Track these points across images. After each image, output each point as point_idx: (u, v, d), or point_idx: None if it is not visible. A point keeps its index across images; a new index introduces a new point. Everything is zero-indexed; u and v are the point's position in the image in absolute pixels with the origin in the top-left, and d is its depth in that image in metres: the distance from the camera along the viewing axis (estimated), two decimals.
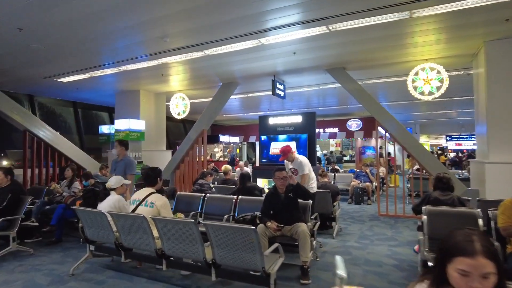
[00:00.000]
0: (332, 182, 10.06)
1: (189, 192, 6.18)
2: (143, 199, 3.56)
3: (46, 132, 8.73)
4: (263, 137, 8.61)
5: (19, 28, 5.42)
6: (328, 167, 13.67)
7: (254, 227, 2.70)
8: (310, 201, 4.19)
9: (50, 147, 9.12)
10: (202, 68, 8.10)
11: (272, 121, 8.61)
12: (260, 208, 4.09)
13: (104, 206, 3.94)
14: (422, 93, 7.29)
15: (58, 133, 8.97)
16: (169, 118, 12.70)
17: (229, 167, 6.37)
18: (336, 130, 16.98)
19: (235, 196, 4.78)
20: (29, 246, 4.74)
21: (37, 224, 5.08)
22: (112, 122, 12.54)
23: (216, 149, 18.26)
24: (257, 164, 15.42)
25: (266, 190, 5.94)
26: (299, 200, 4.04)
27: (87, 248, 3.97)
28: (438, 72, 7.05)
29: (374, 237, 5.57)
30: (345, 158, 19.50)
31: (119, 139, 5.90)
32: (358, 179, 9.79)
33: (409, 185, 9.90)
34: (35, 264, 4.17)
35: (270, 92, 9.90)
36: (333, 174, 10.64)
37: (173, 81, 9.61)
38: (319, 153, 22.06)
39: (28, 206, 4.88)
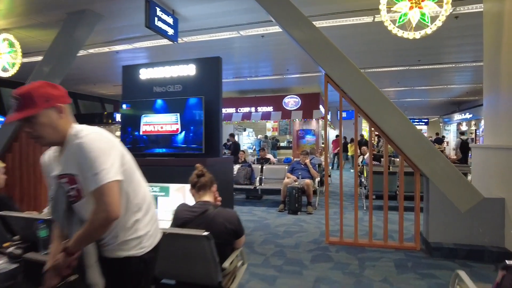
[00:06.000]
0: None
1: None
2: None
3: None
4: (125, 106, 4.55)
5: None
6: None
7: None
8: None
9: None
10: None
11: (144, 74, 4.64)
12: None
13: None
14: (405, 28, 4.12)
15: None
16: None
17: None
18: (270, 109, 13.60)
19: None
20: None
21: None
22: None
23: None
24: None
25: None
26: None
27: None
28: None
29: None
30: (281, 144, 16.41)
31: None
32: (294, 173, 6.52)
33: (362, 180, 6.93)
34: None
35: (163, 41, 5.95)
36: (259, 166, 7.26)
37: None
38: (252, 139, 18.62)
39: None
